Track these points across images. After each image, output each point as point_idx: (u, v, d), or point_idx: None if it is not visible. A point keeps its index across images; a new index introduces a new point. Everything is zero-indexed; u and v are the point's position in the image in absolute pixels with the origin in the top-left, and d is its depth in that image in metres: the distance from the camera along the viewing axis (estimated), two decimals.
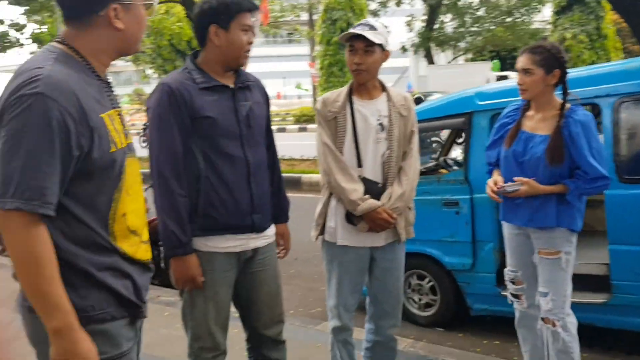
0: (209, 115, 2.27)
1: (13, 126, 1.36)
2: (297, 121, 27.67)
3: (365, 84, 2.72)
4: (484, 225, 3.80)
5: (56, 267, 1.40)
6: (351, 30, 2.65)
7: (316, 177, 10.57)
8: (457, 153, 5.46)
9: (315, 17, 32.74)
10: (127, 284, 1.57)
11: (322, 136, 2.71)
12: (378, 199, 2.65)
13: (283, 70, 48.89)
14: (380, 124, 2.68)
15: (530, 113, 2.87)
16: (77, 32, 1.54)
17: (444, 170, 4.60)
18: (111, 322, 1.54)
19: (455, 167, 4.70)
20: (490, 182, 2.91)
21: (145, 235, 1.67)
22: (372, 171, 2.69)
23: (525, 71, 2.76)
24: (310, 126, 23.42)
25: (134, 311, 1.61)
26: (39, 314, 1.41)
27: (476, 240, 3.84)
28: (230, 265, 2.37)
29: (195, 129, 2.28)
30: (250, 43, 2.35)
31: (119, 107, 1.63)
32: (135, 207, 1.61)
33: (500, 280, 3.78)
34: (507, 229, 2.97)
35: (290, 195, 2.77)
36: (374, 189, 2.67)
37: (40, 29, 24.53)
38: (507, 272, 3.00)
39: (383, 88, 2.78)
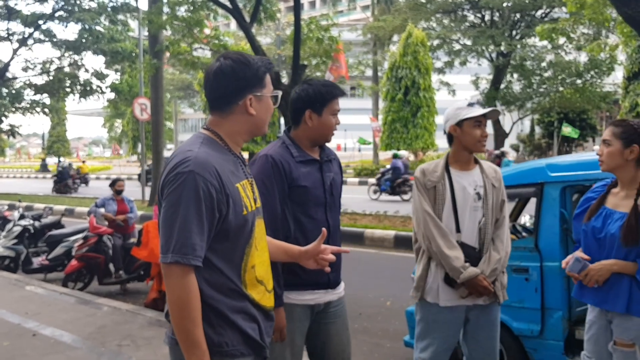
0: (304, 185, 2.61)
1: (172, 197, 1.75)
2: (358, 174, 27.95)
3: (461, 156, 3.01)
4: (553, 293, 3.86)
5: (200, 312, 1.73)
6: (477, 111, 2.96)
7: (379, 232, 10.69)
8: (525, 219, 5.54)
9: (379, 73, 33.50)
10: (254, 327, 1.88)
11: (423, 204, 2.98)
12: (476, 263, 2.89)
13: (345, 123, 49.75)
14: (477, 194, 2.95)
15: (615, 190, 2.85)
16: (220, 119, 1.93)
17: (513, 237, 4.69)
18: (240, 358, 1.84)
19: (524, 234, 4.79)
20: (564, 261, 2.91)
21: (270, 285, 1.99)
22: (470, 237, 2.94)
23: (605, 142, 2.79)
24: (370, 180, 23.64)
25: (259, 351, 1.90)
26: (182, 349, 1.74)
27: (545, 308, 3.90)
28: (306, 316, 2.65)
29: (290, 196, 2.61)
30: (338, 124, 2.72)
31: (251, 178, 1.99)
32: (262, 260, 1.95)
33: (568, 349, 3.82)
34: (589, 314, 2.93)
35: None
36: (471, 254, 2.92)
37: (119, 79, 26.14)
38: (583, 356, 2.95)
39: (476, 160, 3.06)
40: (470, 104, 3.00)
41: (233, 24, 42.15)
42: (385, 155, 33.40)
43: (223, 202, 1.78)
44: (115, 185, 8.50)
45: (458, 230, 2.94)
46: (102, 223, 7.99)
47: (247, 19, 11.49)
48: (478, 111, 2.94)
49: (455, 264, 2.86)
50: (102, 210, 8.25)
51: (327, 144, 2.81)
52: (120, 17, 21.65)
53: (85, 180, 28.44)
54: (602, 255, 2.75)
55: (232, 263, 1.84)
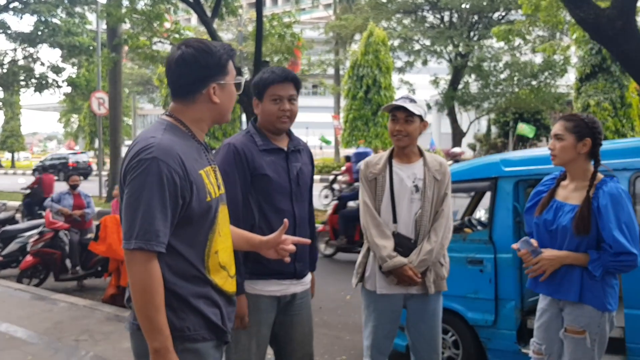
0: (266, 174, 2.62)
1: (135, 184, 1.75)
2: (319, 172, 28.07)
3: (404, 149, 3.06)
4: (506, 284, 4.00)
5: (163, 298, 1.74)
6: (394, 102, 3.02)
7: None
8: (480, 213, 5.71)
9: (341, 72, 33.67)
10: (216, 312, 1.90)
11: (363, 195, 3.07)
12: (409, 253, 2.96)
13: (307, 121, 49.98)
14: (415, 186, 3.01)
15: (564, 182, 2.92)
16: (183, 107, 1.93)
17: (468, 230, 4.84)
18: (202, 342, 1.86)
19: (479, 227, 4.94)
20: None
21: (232, 271, 2.01)
22: (406, 228, 3.01)
23: (557, 137, 2.83)
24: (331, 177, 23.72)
25: (220, 336, 1.93)
26: (145, 334, 1.75)
27: (499, 298, 4.04)
28: (272, 307, 2.68)
29: (253, 185, 2.62)
30: (283, 110, 2.67)
31: (215, 164, 2.00)
32: (225, 246, 1.97)
33: (520, 338, 3.97)
34: (541, 302, 3.00)
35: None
36: (406, 244, 2.99)
37: (76, 73, 25.48)
38: (533, 342, 3.01)
39: (421, 153, 3.12)
40: (397, 99, 3.07)
41: (194, 19, 41.67)
42: (346, 152, 33.64)
43: (187, 188, 1.80)
44: (70, 180, 8.36)
45: (395, 221, 3.01)
46: (58, 218, 7.84)
47: (209, 13, 11.41)
48: (387, 106, 3.03)
49: (383, 253, 2.94)
50: (58, 205, 8.10)
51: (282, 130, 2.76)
52: (78, 9, 21.11)
53: None
54: (554, 247, 2.83)
55: (195, 248, 1.85)
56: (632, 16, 6.94)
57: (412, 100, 3.03)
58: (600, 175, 2.81)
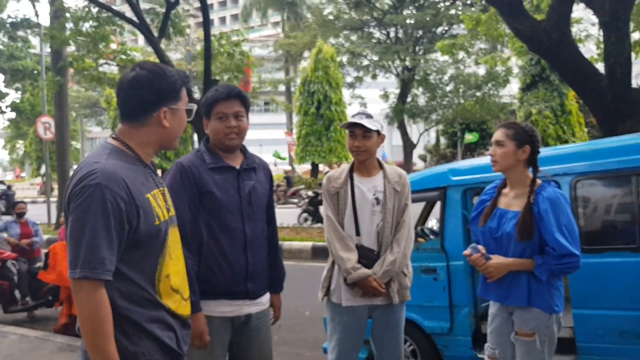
0: (212, 191, 2.60)
1: (79, 211, 1.72)
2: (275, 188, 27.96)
3: (364, 163, 3.12)
4: (460, 291, 4.08)
5: (112, 326, 1.71)
6: (351, 120, 3.08)
7: (296, 244, 10.79)
8: (432, 223, 5.82)
9: (292, 88, 33.89)
10: (170, 335, 1.87)
11: (326, 209, 3.11)
12: (372, 265, 2.99)
13: (260, 138, 49.93)
14: (376, 198, 3.06)
15: (505, 190, 2.98)
16: (131, 129, 1.90)
17: (421, 239, 4.93)
18: None
19: (431, 236, 5.04)
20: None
21: (186, 294, 1.99)
22: (368, 240, 3.05)
23: (498, 143, 2.89)
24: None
25: (176, 359, 1.89)
26: None
27: (453, 305, 4.12)
28: (225, 329, 2.63)
29: (201, 203, 2.60)
30: (230, 127, 2.66)
31: (163, 187, 1.98)
32: (177, 269, 1.94)
33: (475, 343, 4.06)
34: (492, 308, 3.06)
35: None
36: (370, 256, 3.03)
37: (20, 98, 24.74)
38: (487, 347, 3.07)
39: (381, 166, 3.18)
40: (354, 115, 3.13)
41: (141, 39, 41.15)
42: (301, 168, 33.68)
43: (133, 213, 1.77)
44: (16, 208, 8.11)
45: (358, 233, 3.06)
46: (5, 248, 7.57)
47: (156, 33, 11.32)
48: (344, 124, 3.09)
49: (347, 265, 2.98)
50: (5, 234, 7.82)
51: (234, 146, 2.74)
52: (21, 33, 20.62)
53: None
54: (500, 253, 2.89)
55: (144, 272, 1.83)
56: (567, 27, 7.27)
57: (369, 116, 3.10)
58: (539, 181, 2.89)
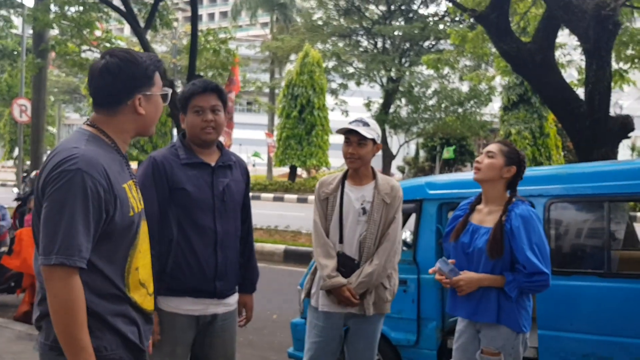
0: (184, 188, 2.55)
1: (56, 196, 1.65)
2: (251, 189, 27.85)
3: (357, 171, 3.10)
4: (428, 304, 4.08)
5: (85, 315, 1.65)
6: (347, 126, 3.05)
7: (268, 246, 10.72)
8: (406, 234, 5.83)
9: (276, 90, 33.84)
10: (134, 330, 1.82)
11: (315, 214, 3.11)
12: (351, 274, 2.98)
13: (240, 137, 49.77)
14: (363, 208, 3.05)
15: (480, 206, 3.00)
16: (106, 117, 1.86)
17: None
18: None
19: (404, 248, 5.04)
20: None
21: (151, 289, 1.94)
22: (350, 248, 3.04)
23: (489, 153, 2.92)
24: (263, 195, 23.64)
25: (138, 355, 1.85)
26: (66, 354, 1.65)
27: (421, 318, 4.12)
28: (189, 327, 2.58)
29: (172, 199, 2.55)
30: (206, 121, 2.62)
31: (135, 179, 1.93)
32: (144, 262, 1.90)
33: (441, 358, 4.06)
34: (459, 324, 3.06)
35: None
36: (350, 265, 3.01)
37: None
38: None
39: (374, 176, 3.15)
40: (351, 122, 3.11)
41: (127, 29, 40.74)
42: (279, 170, 33.59)
43: (111, 202, 1.73)
44: None
45: (341, 241, 3.06)
46: None
47: (142, 24, 11.20)
48: (341, 129, 3.08)
49: (324, 272, 2.98)
50: None
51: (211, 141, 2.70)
52: (3, 12, 20.25)
53: None
54: (471, 269, 2.92)
55: (115, 265, 1.78)
56: (551, 51, 7.39)
57: (366, 124, 3.06)
58: (513, 200, 2.93)
